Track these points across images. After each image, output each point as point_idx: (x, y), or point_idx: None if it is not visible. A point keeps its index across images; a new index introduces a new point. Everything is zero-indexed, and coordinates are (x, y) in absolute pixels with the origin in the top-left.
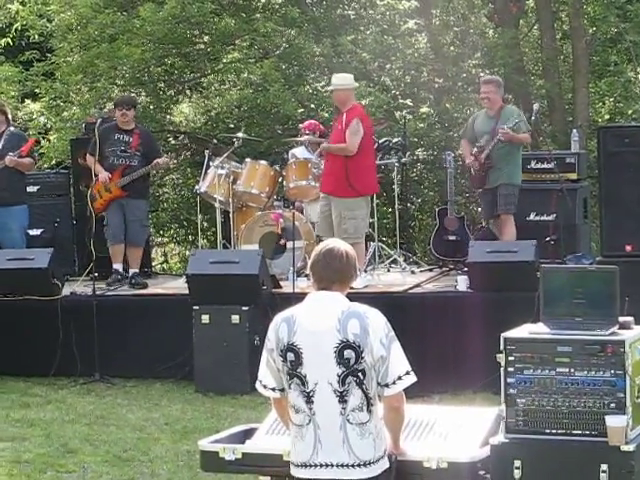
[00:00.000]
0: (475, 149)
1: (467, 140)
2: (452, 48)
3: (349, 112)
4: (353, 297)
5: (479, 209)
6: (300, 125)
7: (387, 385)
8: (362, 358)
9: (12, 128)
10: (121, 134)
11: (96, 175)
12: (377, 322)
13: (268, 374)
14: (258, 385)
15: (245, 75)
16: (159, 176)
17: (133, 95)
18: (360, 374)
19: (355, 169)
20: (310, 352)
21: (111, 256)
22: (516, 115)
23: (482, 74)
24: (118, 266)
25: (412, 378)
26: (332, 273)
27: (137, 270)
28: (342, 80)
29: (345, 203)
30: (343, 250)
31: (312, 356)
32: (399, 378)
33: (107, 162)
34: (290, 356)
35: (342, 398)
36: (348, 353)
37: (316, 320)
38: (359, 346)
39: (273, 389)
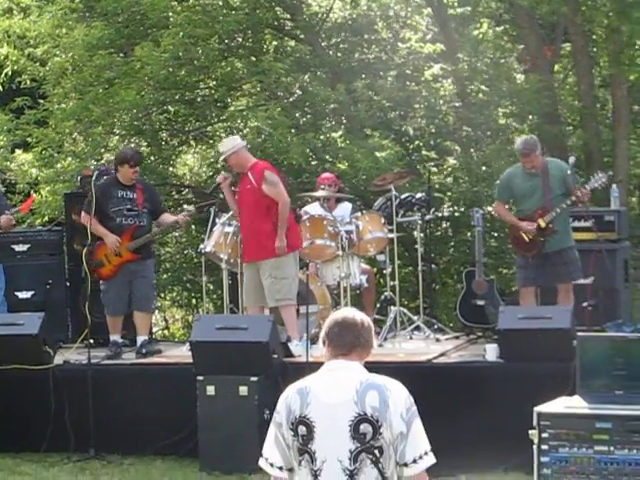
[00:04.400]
0: (535, 212)
1: (504, 202)
2: (480, 95)
3: (253, 169)
4: (371, 367)
5: (510, 271)
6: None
7: (406, 465)
8: (380, 434)
9: None
10: (124, 190)
11: (98, 237)
12: (398, 395)
13: (275, 451)
14: (263, 462)
15: (254, 124)
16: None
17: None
18: (376, 451)
19: (274, 228)
20: (323, 426)
21: (109, 327)
22: (569, 168)
23: (514, 124)
24: (117, 337)
25: (431, 459)
26: (348, 339)
27: (147, 337)
28: (227, 146)
29: (274, 263)
30: (359, 317)
31: (325, 430)
32: (420, 457)
33: (113, 223)
34: (302, 430)
35: (352, 477)
36: (364, 428)
37: (332, 391)
38: (377, 420)
39: (280, 468)
